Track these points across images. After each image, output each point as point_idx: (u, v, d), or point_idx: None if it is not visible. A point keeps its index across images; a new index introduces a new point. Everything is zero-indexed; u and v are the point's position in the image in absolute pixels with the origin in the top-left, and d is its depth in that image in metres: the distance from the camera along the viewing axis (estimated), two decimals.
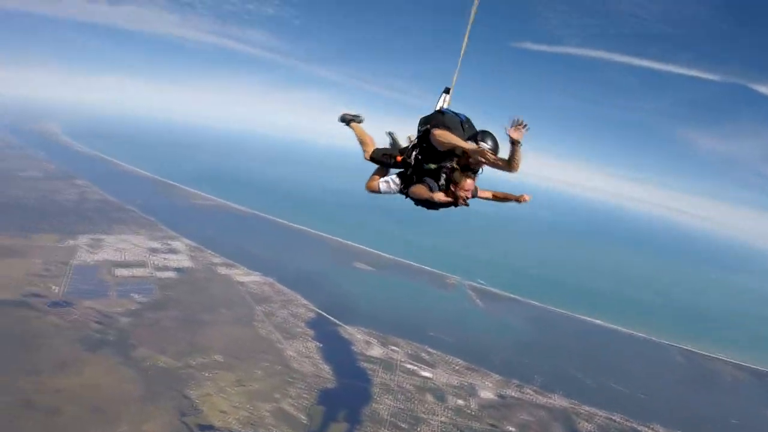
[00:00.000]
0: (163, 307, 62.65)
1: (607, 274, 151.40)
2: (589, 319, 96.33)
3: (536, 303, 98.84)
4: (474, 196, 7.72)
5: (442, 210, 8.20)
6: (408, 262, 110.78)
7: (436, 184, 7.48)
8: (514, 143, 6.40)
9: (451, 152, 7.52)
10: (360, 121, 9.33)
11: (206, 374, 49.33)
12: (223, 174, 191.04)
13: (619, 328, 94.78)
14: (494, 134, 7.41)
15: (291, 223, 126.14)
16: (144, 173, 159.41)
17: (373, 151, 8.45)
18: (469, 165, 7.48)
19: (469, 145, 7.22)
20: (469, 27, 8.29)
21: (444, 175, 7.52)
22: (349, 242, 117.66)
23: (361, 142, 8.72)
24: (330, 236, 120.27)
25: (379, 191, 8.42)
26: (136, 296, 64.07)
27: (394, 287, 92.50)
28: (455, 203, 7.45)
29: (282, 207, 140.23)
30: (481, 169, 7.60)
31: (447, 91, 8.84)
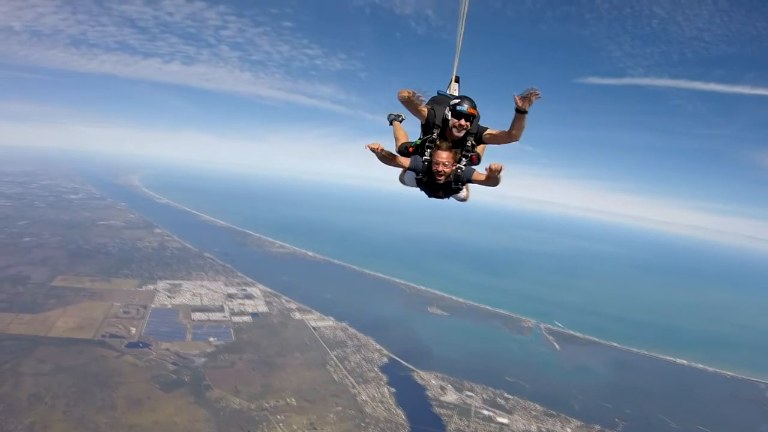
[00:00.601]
0: (238, 350, 66.31)
1: (689, 310, 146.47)
2: (672, 359, 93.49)
3: (616, 344, 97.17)
4: (462, 177, 8.19)
5: (458, 202, 9.23)
6: (483, 306, 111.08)
7: (419, 159, 8.17)
8: (519, 111, 6.93)
9: (433, 125, 8.26)
10: (401, 120, 10.23)
11: (279, 417, 51.46)
12: (298, 223, 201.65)
13: (706, 367, 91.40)
14: (472, 99, 7.94)
15: (365, 270, 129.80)
16: (221, 223, 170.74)
17: (400, 145, 9.09)
18: (450, 137, 8.05)
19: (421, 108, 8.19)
20: (464, 12, 9.01)
21: (427, 150, 8.21)
22: (422, 287, 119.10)
23: (396, 138, 9.55)
24: (404, 282, 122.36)
25: (405, 182, 9.25)
26: (212, 339, 68.43)
27: (469, 332, 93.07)
28: (435, 178, 8.01)
29: (355, 254, 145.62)
30: (468, 142, 8.12)
31: (457, 80, 9.94)
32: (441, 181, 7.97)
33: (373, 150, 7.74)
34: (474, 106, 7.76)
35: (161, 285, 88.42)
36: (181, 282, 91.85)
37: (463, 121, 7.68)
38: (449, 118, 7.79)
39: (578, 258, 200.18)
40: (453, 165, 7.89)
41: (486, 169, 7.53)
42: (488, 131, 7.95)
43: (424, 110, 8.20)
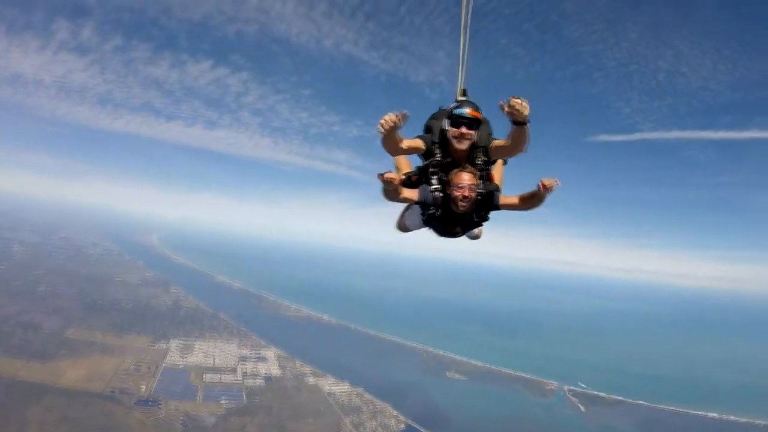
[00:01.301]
0: (249, 412, 64.40)
1: (715, 362, 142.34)
2: (702, 413, 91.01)
3: (643, 402, 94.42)
4: (488, 201, 6.68)
5: (469, 238, 7.99)
6: (502, 369, 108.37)
7: (428, 190, 6.65)
8: (516, 123, 5.61)
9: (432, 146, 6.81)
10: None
11: None
12: (314, 287, 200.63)
13: (737, 418, 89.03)
14: (475, 102, 6.55)
15: (381, 334, 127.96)
16: (237, 285, 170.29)
17: (404, 175, 7.30)
18: (456, 154, 6.61)
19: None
20: (466, 15, 7.47)
21: (435, 176, 6.73)
22: (440, 351, 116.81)
23: (397, 169, 7.71)
24: (420, 346, 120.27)
25: (406, 226, 8.00)
26: (223, 401, 66.71)
27: (489, 396, 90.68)
28: (455, 208, 6.49)
29: (371, 317, 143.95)
30: (479, 159, 6.65)
31: (464, 93, 7.89)
32: (464, 210, 6.48)
33: (386, 181, 6.00)
34: (477, 109, 6.39)
35: (174, 344, 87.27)
36: (194, 342, 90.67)
37: (464, 129, 6.29)
38: (447, 127, 6.42)
39: (598, 316, 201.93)
40: (477, 189, 6.39)
41: (538, 186, 6.02)
42: (495, 143, 6.57)
43: (417, 142, 6.63)
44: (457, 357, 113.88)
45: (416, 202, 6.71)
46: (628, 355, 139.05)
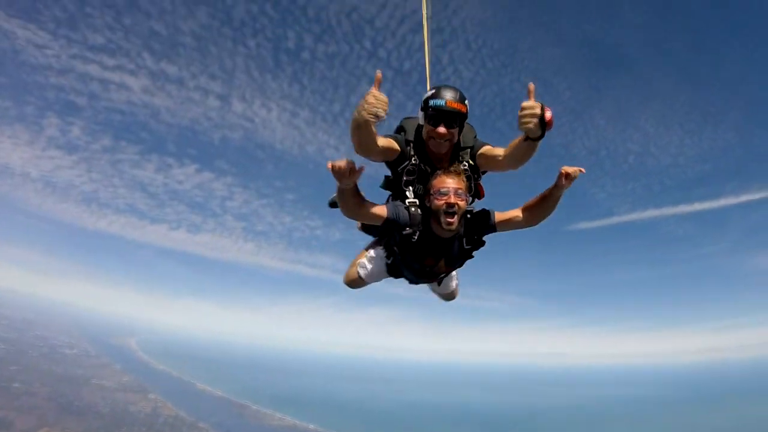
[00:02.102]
0: None
1: None
2: None
3: None
4: (481, 220, 5.18)
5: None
6: None
7: (401, 206, 5.03)
8: (531, 138, 4.37)
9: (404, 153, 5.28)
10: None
11: None
12: (299, 394, 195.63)
13: None
14: (457, 89, 4.90)
15: None
16: (218, 393, 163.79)
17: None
18: (435, 158, 5.17)
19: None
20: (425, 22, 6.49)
21: (410, 186, 5.22)
22: None
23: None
24: None
25: (360, 278, 6.19)
26: None
27: None
28: (439, 226, 4.89)
29: (359, 425, 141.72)
30: (464, 164, 5.20)
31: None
32: (452, 227, 4.79)
33: (339, 172, 4.12)
34: (460, 99, 4.81)
35: None
36: None
37: (442, 129, 4.79)
38: (422, 122, 5.00)
39: (596, 406, 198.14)
40: (466, 197, 4.92)
41: (558, 178, 4.60)
42: (485, 149, 5.14)
43: (389, 142, 5.05)
44: None
45: (384, 224, 4.89)
46: None
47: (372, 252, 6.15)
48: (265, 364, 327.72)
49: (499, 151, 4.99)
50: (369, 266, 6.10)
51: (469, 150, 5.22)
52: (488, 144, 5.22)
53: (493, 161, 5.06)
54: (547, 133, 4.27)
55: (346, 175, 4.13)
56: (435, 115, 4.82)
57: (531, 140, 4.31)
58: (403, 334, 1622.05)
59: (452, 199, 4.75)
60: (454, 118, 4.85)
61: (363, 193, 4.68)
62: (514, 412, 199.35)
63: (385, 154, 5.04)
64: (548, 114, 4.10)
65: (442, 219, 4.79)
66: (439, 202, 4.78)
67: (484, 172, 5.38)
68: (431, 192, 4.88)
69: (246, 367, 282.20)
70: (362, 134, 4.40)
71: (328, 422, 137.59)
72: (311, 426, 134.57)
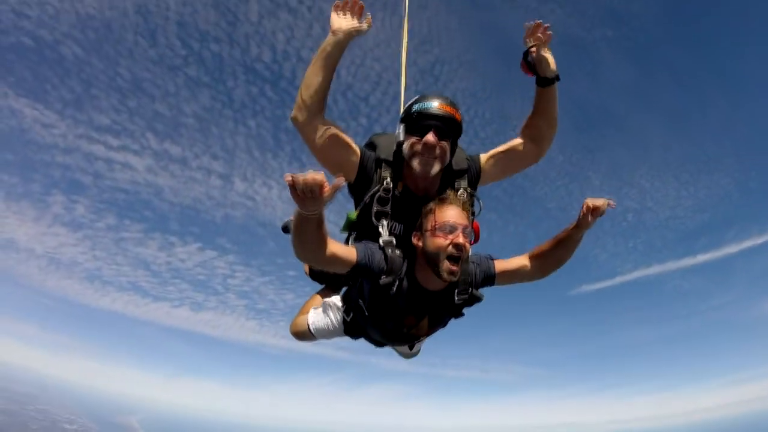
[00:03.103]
0: None
1: None
2: None
3: None
4: (482, 274, 3.71)
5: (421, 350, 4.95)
6: None
7: (374, 248, 3.52)
8: (541, 80, 3.65)
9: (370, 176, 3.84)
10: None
11: None
12: None
13: None
14: (446, 96, 3.63)
15: None
16: None
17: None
18: (417, 185, 3.75)
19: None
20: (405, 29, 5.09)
21: (383, 218, 3.68)
22: None
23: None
24: None
25: (308, 332, 4.69)
26: None
27: None
28: (437, 275, 3.34)
29: None
30: (461, 188, 3.81)
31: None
32: (454, 276, 3.30)
33: (302, 187, 2.69)
34: (452, 104, 3.54)
35: None
36: None
37: (431, 137, 3.40)
38: (402, 138, 3.58)
39: None
40: (470, 235, 3.53)
41: (580, 215, 3.43)
42: (494, 152, 3.94)
43: (340, 143, 3.64)
44: None
45: (353, 271, 3.36)
46: None
47: (329, 302, 4.58)
48: None
49: (508, 144, 3.92)
50: (322, 321, 4.57)
51: (465, 174, 3.82)
52: (479, 153, 3.98)
53: (501, 154, 3.92)
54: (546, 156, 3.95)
55: (315, 195, 2.67)
56: (421, 121, 3.45)
57: (546, 87, 3.70)
58: (409, 411, 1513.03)
59: (461, 239, 3.29)
60: (447, 127, 3.48)
61: (326, 228, 3.08)
62: None
63: (340, 167, 3.57)
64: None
65: (443, 265, 3.27)
66: (443, 242, 3.28)
67: (476, 209, 3.78)
68: (427, 227, 3.39)
69: None
70: (304, 234, 2.99)
71: None
72: None
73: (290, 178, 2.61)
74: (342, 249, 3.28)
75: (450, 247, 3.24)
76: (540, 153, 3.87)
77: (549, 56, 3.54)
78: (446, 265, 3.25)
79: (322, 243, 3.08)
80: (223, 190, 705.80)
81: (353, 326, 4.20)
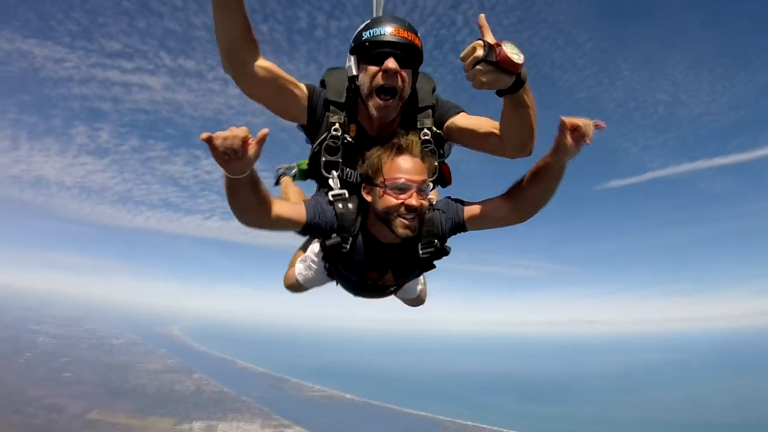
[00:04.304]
0: None
1: None
2: None
3: None
4: (452, 221, 3.37)
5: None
6: None
7: (323, 200, 3.28)
8: (503, 90, 2.74)
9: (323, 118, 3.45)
10: (294, 175, 5.33)
11: None
12: (336, 367, 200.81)
13: None
14: (403, 20, 3.20)
15: (405, 408, 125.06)
16: (259, 369, 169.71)
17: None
18: (375, 126, 3.40)
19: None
20: None
21: (334, 170, 3.41)
22: (469, 422, 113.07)
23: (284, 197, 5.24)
24: (448, 419, 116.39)
25: (298, 283, 4.79)
26: None
27: None
28: (389, 231, 3.10)
29: (395, 393, 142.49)
30: (423, 130, 3.43)
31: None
32: (408, 233, 3.04)
33: (221, 147, 2.36)
34: (409, 28, 3.13)
35: (197, 425, 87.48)
36: (218, 423, 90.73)
37: (391, 63, 3.03)
38: (355, 71, 3.21)
39: (636, 372, 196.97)
40: (428, 191, 3.22)
41: (561, 132, 2.69)
42: (459, 118, 3.40)
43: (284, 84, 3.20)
44: (488, 427, 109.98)
45: (304, 231, 3.27)
46: (674, 406, 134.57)
47: (309, 252, 4.59)
48: (303, 341, 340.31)
49: (484, 123, 3.28)
50: (306, 272, 4.63)
51: (430, 111, 3.45)
52: (462, 109, 3.49)
53: (474, 137, 3.35)
54: (525, 83, 2.72)
55: (238, 154, 2.46)
56: (375, 49, 3.09)
57: (509, 95, 2.74)
58: (439, 306, 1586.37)
59: (414, 201, 3.02)
60: (407, 53, 3.12)
61: (265, 187, 2.88)
62: (553, 380, 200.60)
63: (289, 114, 3.37)
64: (502, 51, 2.50)
65: (396, 223, 3.04)
66: (393, 202, 3.02)
67: (446, 149, 3.63)
68: (377, 182, 3.08)
69: (285, 345, 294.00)
70: (238, 198, 2.78)
71: (366, 392, 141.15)
72: (348, 396, 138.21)
73: (206, 136, 2.34)
74: (289, 209, 3.08)
75: (401, 208, 2.99)
76: (520, 155, 3.14)
77: (511, 48, 2.53)
78: (399, 222, 3.01)
79: (263, 206, 2.88)
80: (242, 98, 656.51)
81: (332, 275, 4.02)
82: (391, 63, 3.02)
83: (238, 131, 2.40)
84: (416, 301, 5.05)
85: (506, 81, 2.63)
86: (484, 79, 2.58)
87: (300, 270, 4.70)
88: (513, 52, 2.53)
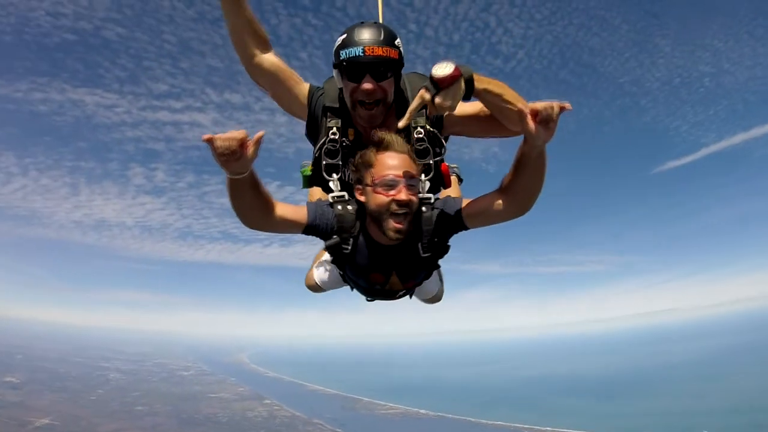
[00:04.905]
0: None
1: None
2: None
3: None
4: (445, 216, 3.41)
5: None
6: None
7: (323, 205, 3.44)
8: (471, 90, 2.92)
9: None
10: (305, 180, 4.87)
11: None
12: (407, 384, 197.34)
13: None
14: (382, 25, 3.43)
15: (482, 420, 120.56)
16: (330, 391, 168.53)
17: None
18: (366, 129, 3.52)
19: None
20: None
21: (333, 173, 3.60)
22: (548, 428, 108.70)
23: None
24: (527, 426, 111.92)
25: (316, 285, 4.80)
26: None
27: None
28: (382, 232, 3.20)
29: (470, 405, 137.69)
30: (417, 132, 3.55)
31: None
32: (400, 233, 3.11)
33: (220, 148, 2.59)
34: (385, 40, 3.22)
35: None
36: None
37: (367, 84, 3.19)
38: (340, 84, 3.39)
39: (719, 358, 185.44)
40: (418, 185, 3.25)
41: (523, 120, 2.72)
42: (465, 113, 3.49)
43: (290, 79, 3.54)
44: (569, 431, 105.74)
45: (304, 232, 3.38)
46: (763, 392, 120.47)
47: (326, 256, 4.35)
48: (372, 360, 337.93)
49: (475, 107, 3.38)
50: (324, 274, 4.67)
51: (423, 110, 3.35)
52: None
53: (473, 121, 3.47)
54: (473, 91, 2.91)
55: (236, 155, 2.61)
56: (351, 68, 3.22)
57: (475, 95, 2.93)
58: (506, 313, 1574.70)
59: (403, 195, 3.04)
60: (381, 68, 3.22)
61: (266, 189, 3.04)
62: (631, 376, 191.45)
63: (297, 111, 3.71)
64: (433, 77, 2.76)
65: (387, 223, 3.09)
66: (383, 199, 3.07)
67: (444, 142, 3.64)
68: (367, 181, 3.17)
69: (354, 365, 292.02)
70: (239, 199, 2.98)
71: (439, 406, 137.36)
72: (423, 411, 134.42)
73: (207, 137, 2.54)
74: (290, 211, 3.25)
75: (392, 204, 3.05)
76: (514, 133, 3.22)
77: (436, 69, 2.83)
78: (391, 223, 3.08)
79: (265, 207, 3.09)
80: (290, 125, 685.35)
81: (349, 265, 3.76)
82: (366, 85, 3.20)
83: (237, 133, 2.56)
84: (433, 299, 4.95)
85: (460, 90, 2.85)
86: (448, 104, 2.84)
87: (318, 272, 4.73)
88: (438, 69, 2.77)
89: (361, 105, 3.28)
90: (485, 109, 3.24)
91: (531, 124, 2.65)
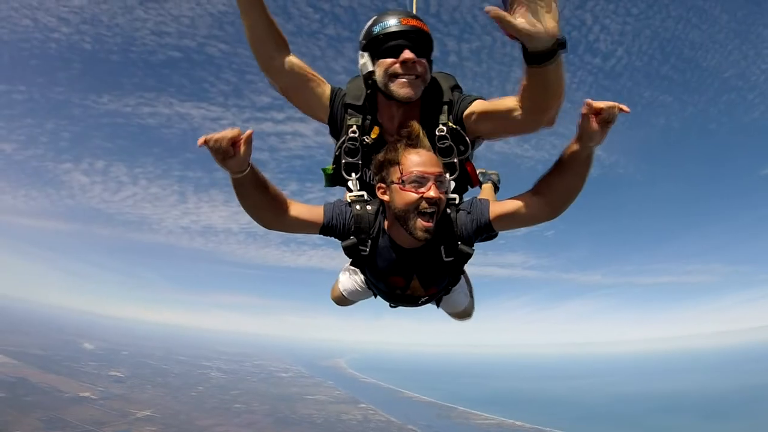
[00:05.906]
0: None
1: None
2: None
3: None
4: (475, 218, 3.11)
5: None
6: None
7: (342, 202, 3.26)
8: (531, 55, 2.34)
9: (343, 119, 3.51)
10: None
11: None
12: (503, 395, 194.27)
13: None
14: (407, 10, 3.31)
15: None
16: (425, 398, 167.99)
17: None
18: (392, 123, 3.31)
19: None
20: None
21: (353, 172, 3.41)
22: None
23: None
24: None
25: (343, 297, 4.66)
26: None
27: None
28: (407, 232, 2.90)
29: (568, 419, 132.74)
30: (441, 130, 3.23)
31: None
32: (428, 233, 2.82)
33: (214, 147, 2.54)
34: (416, 17, 3.09)
35: None
36: None
37: (408, 53, 2.95)
38: (371, 67, 3.12)
39: None
40: (447, 184, 2.99)
41: (584, 117, 2.45)
42: (476, 104, 3.15)
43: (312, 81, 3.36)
44: None
45: (321, 232, 3.20)
46: None
47: (348, 264, 4.34)
48: (468, 370, 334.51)
49: (507, 102, 2.93)
50: (349, 283, 4.48)
51: (446, 107, 3.25)
52: (479, 97, 3.24)
53: (493, 118, 3.09)
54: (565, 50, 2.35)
55: (229, 153, 2.58)
56: (388, 41, 3.02)
57: (536, 66, 2.38)
58: (606, 325, 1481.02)
59: (432, 192, 2.78)
60: (419, 40, 3.04)
61: (275, 188, 2.97)
62: (738, 395, 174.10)
63: (312, 110, 3.46)
64: None
65: (414, 222, 2.82)
66: (411, 197, 2.80)
67: (472, 145, 3.30)
68: (393, 179, 2.89)
69: (449, 374, 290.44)
70: (246, 199, 2.95)
71: (535, 418, 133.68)
72: (518, 423, 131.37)
73: (203, 140, 2.53)
74: (306, 211, 3.15)
75: (421, 202, 2.83)
76: (542, 122, 2.92)
77: (548, 17, 2.21)
78: (419, 222, 2.84)
79: (276, 207, 3.03)
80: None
81: (368, 267, 3.57)
82: (407, 54, 2.99)
83: (227, 132, 2.54)
84: (462, 314, 4.77)
85: (547, 29, 2.24)
86: (534, 23, 2.23)
87: (343, 282, 4.59)
88: None
89: (392, 81, 3.04)
90: (503, 103, 2.95)
91: (593, 121, 2.48)
